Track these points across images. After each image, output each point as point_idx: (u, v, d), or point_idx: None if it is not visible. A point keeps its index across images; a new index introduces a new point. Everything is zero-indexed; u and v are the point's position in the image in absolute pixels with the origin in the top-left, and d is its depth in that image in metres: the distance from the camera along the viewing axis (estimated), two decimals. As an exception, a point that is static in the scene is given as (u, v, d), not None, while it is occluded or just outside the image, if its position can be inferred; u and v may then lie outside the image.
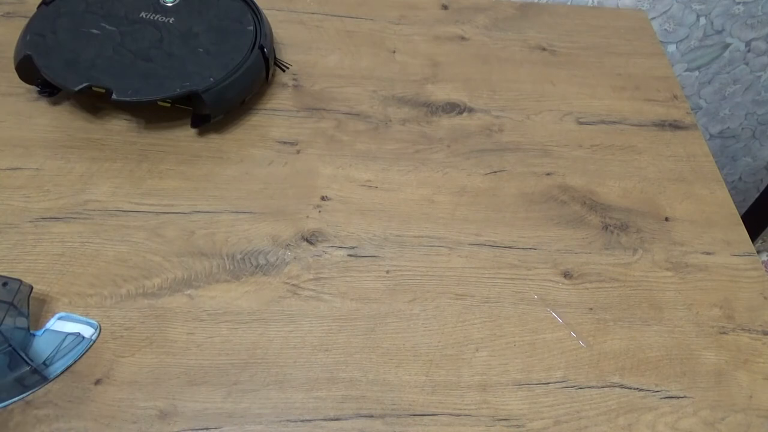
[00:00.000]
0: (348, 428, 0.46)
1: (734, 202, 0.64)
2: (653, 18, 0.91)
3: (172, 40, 0.62)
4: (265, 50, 0.63)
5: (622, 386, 0.50)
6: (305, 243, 0.56)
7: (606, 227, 0.60)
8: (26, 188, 0.56)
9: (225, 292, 0.52)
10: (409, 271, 0.55)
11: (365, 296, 0.53)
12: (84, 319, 0.49)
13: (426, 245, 0.57)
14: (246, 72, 0.61)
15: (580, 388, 0.50)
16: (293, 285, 0.53)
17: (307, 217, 0.57)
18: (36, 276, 0.51)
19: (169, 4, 0.65)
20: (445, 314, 0.53)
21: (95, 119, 0.62)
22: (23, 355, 0.45)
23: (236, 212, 0.57)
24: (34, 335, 0.48)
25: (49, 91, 0.62)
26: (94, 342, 0.48)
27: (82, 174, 0.58)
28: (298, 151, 0.62)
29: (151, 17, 0.64)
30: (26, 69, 0.59)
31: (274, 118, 0.65)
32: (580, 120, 0.69)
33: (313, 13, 0.76)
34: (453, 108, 0.68)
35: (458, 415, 0.47)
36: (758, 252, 1.03)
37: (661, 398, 0.50)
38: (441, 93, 0.69)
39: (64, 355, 0.47)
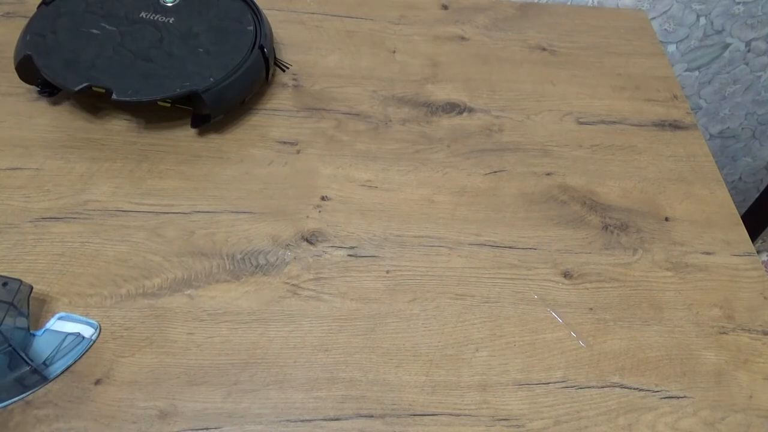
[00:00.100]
0: (348, 428, 0.46)
1: (734, 202, 0.64)
2: (653, 18, 0.91)
3: (172, 40, 0.62)
4: (265, 50, 0.63)
5: (622, 386, 0.50)
6: (305, 243, 0.56)
7: (606, 227, 0.60)
8: (26, 188, 0.56)
9: (225, 292, 0.52)
10: (409, 271, 0.55)
11: (365, 296, 0.53)
12: (84, 319, 0.49)
13: (426, 245, 0.57)
14: (246, 72, 0.61)
15: (580, 388, 0.50)
16: (293, 285, 0.53)
17: (307, 217, 0.57)
18: (36, 276, 0.51)
19: (169, 4, 0.65)
20: (445, 314, 0.53)
21: (95, 119, 0.62)
22: (23, 355, 0.45)
23: (236, 212, 0.57)
24: (34, 335, 0.48)
25: (49, 91, 0.62)
26: (94, 342, 0.48)
27: (82, 174, 0.58)
28: (298, 151, 0.62)
29: (151, 17, 0.64)
30: (26, 69, 0.59)
31: (274, 118, 0.65)
32: (580, 120, 0.69)
33: (313, 13, 0.76)
34: (453, 108, 0.68)
35: (458, 415, 0.47)
36: (758, 252, 1.03)
37: (661, 398, 0.50)
38: (441, 93, 0.69)
39: (64, 355, 0.47)
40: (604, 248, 0.58)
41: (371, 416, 0.47)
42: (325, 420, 0.46)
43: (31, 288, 0.47)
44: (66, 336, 0.48)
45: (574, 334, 0.53)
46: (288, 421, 0.46)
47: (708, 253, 0.59)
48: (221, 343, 0.49)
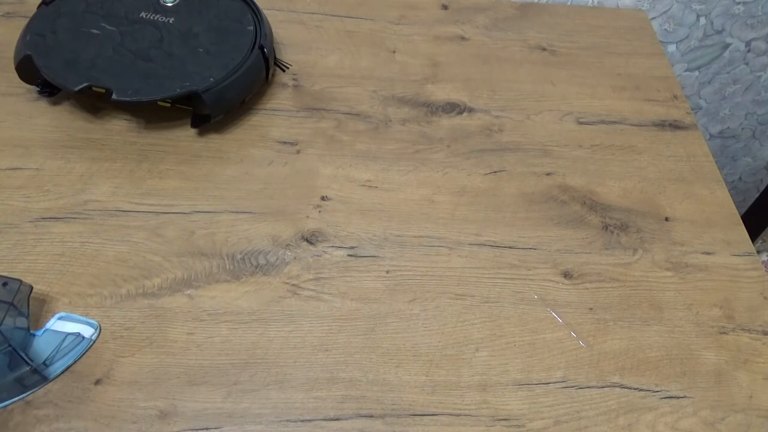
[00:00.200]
0: (348, 428, 0.46)
1: (734, 202, 0.64)
2: (653, 18, 0.91)
3: (172, 40, 0.62)
4: (265, 50, 0.63)
5: (622, 386, 0.50)
6: (305, 243, 0.56)
7: (606, 227, 0.60)
8: (26, 188, 0.56)
9: (225, 292, 0.52)
10: (409, 271, 0.55)
11: (365, 296, 0.53)
12: (84, 319, 0.49)
13: (426, 245, 0.57)
14: (246, 72, 0.61)
15: (580, 388, 0.50)
16: (293, 285, 0.53)
17: (307, 217, 0.57)
18: (36, 276, 0.51)
19: (169, 4, 0.65)
20: (445, 314, 0.53)
21: (95, 119, 0.62)
22: (23, 355, 0.45)
23: (236, 212, 0.57)
24: (34, 335, 0.48)
25: (49, 91, 0.62)
26: (94, 342, 0.48)
27: (82, 174, 0.58)
28: (298, 151, 0.62)
29: (151, 17, 0.64)
30: (26, 69, 0.59)
31: (274, 118, 0.65)
32: (580, 120, 0.69)
33: (313, 13, 0.76)
34: (453, 108, 0.68)
35: (458, 415, 0.47)
36: (758, 252, 1.03)
37: (661, 398, 0.50)
38: (441, 93, 0.69)
39: (64, 355, 0.47)
40: (604, 248, 0.58)
41: (371, 416, 0.47)
42: (325, 420, 0.46)
43: (31, 288, 0.47)
44: (66, 336, 0.48)
45: (574, 334, 0.53)
46: (288, 421, 0.46)
47: (708, 253, 0.59)
48: (221, 343, 0.49)
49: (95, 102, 0.63)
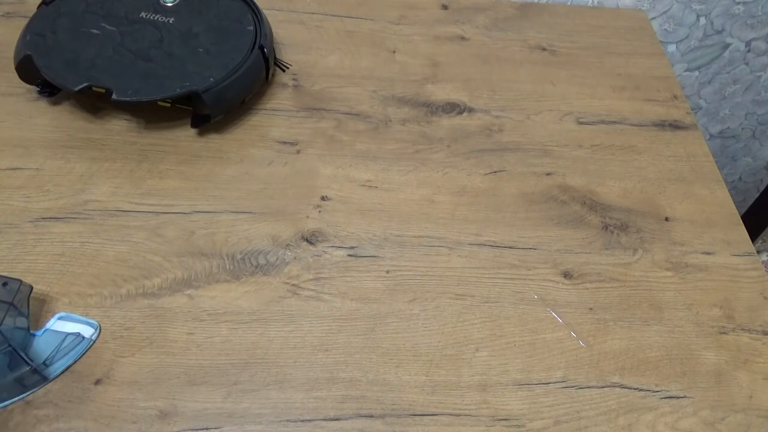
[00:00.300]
0: (348, 428, 0.46)
1: (734, 202, 0.64)
2: (653, 18, 0.91)
3: (172, 40, 0.62)
4: (265, 50, 0.63)
5: (622, 386, 0.50)
6: (305, 243, 0.56)
7: (606, 227, 0.60)
8: (26, 188, 0.56)
9: (225, 292, 0.52)
10: (409, 271, 0.55)
11: (365, 296, 0.53)
12: (84, 319, 0.49)
13: (426, 245, 0.57)
14: (246, 72, 0.61)
15: (580, 388, 0.50)
16: (293, 285, 0.53)
17: (307, 217, 0.57)
18: (36, 276, 0.51)
19: (169, 4, 0.65)
20: (445, 314, 0.53)
21: (95, 119, 0.62)
22: (23, 355, 0.45)
23: (236, 212, 0.57)
24: (34, 335, 0.48)
25: (49, 91, 0.62)
26: (94, 342, 0.48)
27: (82, 174, 0.58)
28: (298, 151, 0.62)
29: (151, 17, 0.64)
30: (26, 69, 0.59)
31: (274, 118, 0.65)
32: (580, 120, 0.69)
33: (313, 13, 0.76)
34: (453, 108, 0.68)
35: (458, 415, 0.47)
36: (758, 252, 1.03)
37: (661, 398, 0.50)
38: (441, 93, 0.69)
39: (64, 355, 0.47)
40: (604, 248, 0.58)
41: (371, 416, 0.47)
42: (325, 420, 0.46)
43: (31, 288, 0.47)
44: (66, 336, 0.48)
45: (574, 334, 0.53)
46: (288, 421, 0.46)
47: (708, 253, 0.59)
48: (221, 343, 0.49)
49: (95, 102, 0.63)
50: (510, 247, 0.57)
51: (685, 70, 0.99)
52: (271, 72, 0.66)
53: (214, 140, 0.62)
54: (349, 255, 0.55)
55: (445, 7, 0.79)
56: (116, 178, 0.58)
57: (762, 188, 1.20)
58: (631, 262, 0.58)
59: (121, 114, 0.63)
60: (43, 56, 0.59)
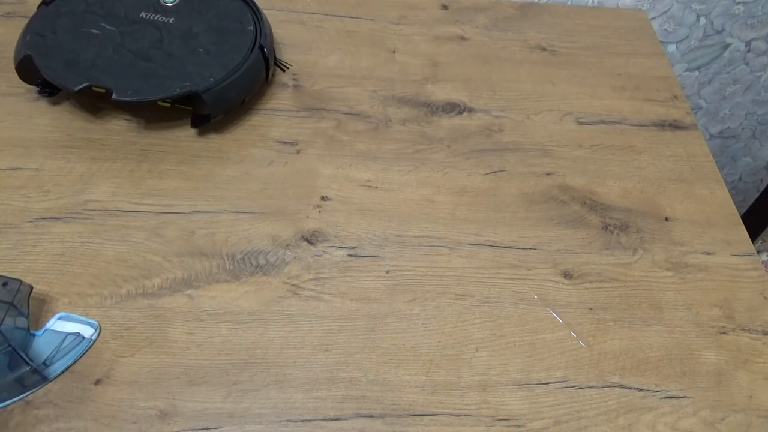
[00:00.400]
0: (348, 428, 0.46)
1: (734, 202, 0.64)
2: (653, 18, 0.91)
3: (172, 40, 0.62)
4: (265, 50, 0.63)
5: (622, 386, 0.50)
6: (305, 243, 0.56)
7: (606, 227, 0.60)
8: (26, 188, 0.56)
9: (225, 292, 0.52)
10: (409, 271, 0.55)
11: (365, 296, 0.53)
12: (84, 319, 0.49)
13: (426, 245, 0.57)
14: (246, 72, 0.61)
15: (580, 388, 0.50)
16: (293, 285, 0.53)
17: (307, 217, 0.57)
18: (36, 276, 0.51)
19: (169, 4, 0.65)
20: (445, 314, 0.53)
21: (95, 119, 0.62)
22: (23, 355, 0.45)
23: (236, 212, 0.57)
24: (34, 335, 0.48)
25: (49, 91, 0.62)
26: (94, 342, 0.48)
27: (82, 174, 0.58)
28: (298, 151, 0.62)
29: (151, 17, 0.64)
30: (26, 69, 0.59)
31: (274, 118, 0.65)
32: (580, 120, 0.69)
33: (313, 13, 0.76)
34: (453, 108, 0.68)
35: (458, 415, 0.47)
36: (758, 252, 1.03)
37: (661, 398, 0.50)
38: (441, 93, 0.69)
39: (64, 355, 0.47)
40: (604, 248, 0.58)
41: (371, 416, 0.47)
42: (325, 420, 0.46)
43: (31, 288, 0.47)
44: (66, 336, 0.48)
45: (574, 334, 0.53)
46: (288, 421, 0.46)
47: (708, 253, 0.59)
48: (221, 343, 0.49)
49: (95, 102, 0.63)
50: (510, 247, 0.57)
51: (685, 70, 0.99)
52: (271, 72, 0.66)
53: (214, 140, 0.62)
54: (349, 255, 0.55)
55: (445, 7, 0.79)
56: (116, 178, 0.58)
57: (762, 188, 1.20)
58: (631, 262, 0.58)
59: (121, 114, 0.63)
60: (43, 56, 0.59)
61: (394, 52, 0.73)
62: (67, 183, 0.57)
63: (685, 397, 0.50)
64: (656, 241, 0.60)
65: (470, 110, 0.68)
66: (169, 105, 0.61)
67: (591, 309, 0.54)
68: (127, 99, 0.57)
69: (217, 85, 0.59)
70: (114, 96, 0.57)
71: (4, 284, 0.46)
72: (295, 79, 0.69)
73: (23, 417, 0.44)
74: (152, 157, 0.60)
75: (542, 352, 0.51)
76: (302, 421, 0.46)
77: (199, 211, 0.57)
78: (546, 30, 0.79)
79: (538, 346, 0.52)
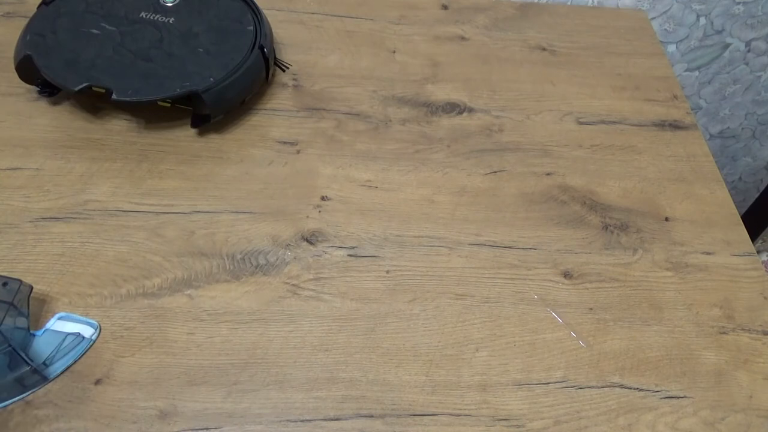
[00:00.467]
0: (348, 428, 0.46)
1: (734, 202, 0.64)
2: (653, 18, 0.91)
3: (172, 40, 0.62)
4: (265, 50, 0.63)
5: (622, 386, 0.50)
6: (305, 243, 0.56)
7: (606, 227, 0.60)
8: (26, 188, 0.56)
9: (225, 292, 0.52)
10: (409, 271, 0.55)
11: (365, 296, 0.53)
12: (84, 319, 0.49)
13: (426, 245, 0.57)
14: (246, 72, 0.61)
15: (580, 388, 0.50)
16: (293, 285, 0.53)
17: (307, 217, 0.57)
18: (36, 276, 0.51)
19: (169, 4, 0.65)
20: (445, 314, 0.53)
21: (95, 119, 0.62)
22: (23, 355, 0.45)
23: (236, 212, 0.57)
24: (34, 335, 0.48)
25: (49, 91, 0.62)
26: (94, 342, 0.48)
27: (82, 174, 0.58)
28: (298, 151, 0.62)
29: (151, 17, 0.64)
30: (26, 69, 0.59)
31: (274, 118, 0.65)
32: (580, 120, 0.69)
33: (313, 13, 0.76)
34: (453, 108, 0.68)
35: (458, 415, 0.47)
36: (758, 252, 1.03)
37: (661, 398, 0.50)
38: (441, 93, 0.69)
39: (64, 355, 0.47)
40: (604, 248, 0.58)
41: (371, 416, 0.47)
42: (325, 420, 0.46)
43: (31, 288, 0.47)
44: (66, 336, 0.48)
45: (574, 334, 0.53)
46: (288, 421, 0.46)
47: (708, 253, 0.59)
48: (221, 343, 0.49)
49: (95, 102, 0.63)
50: (510, 247, 0.57)
51: (685, 70, 0.99)
52: (271, 72, 0.66)
53: (214, 140, 0.62)
54: (349, 255, 0.55)
55: (445, 7, 0.79)
56: (116, 178, 0.58)
57: (762, 188, 1.20)
58: (631, 262, 0.58)
59: (121, 114, 0.63)
60: (43, 56, 0.59)
61: (394, 52, 0.73)
62: (67, 183, 0.57)
63: (685, 397, 0.50)
64: (656, 241, 0.60)
65: (470, 110, 0.68)
66: (169, 105, 0.61)
67: (591, 309, 0.54)
68: (127, 99, 0.57)
69: (217, 85, 0.59)
70: (114, 96, 0.57)
71: (4, 284, 0.46)
72: (295, 79, 0.69)
73: (23, 417, 0.44)
74: (152, 157, 0.60)
75: (542, 352, 0.51)
76: (302, 421, 0.46)
77: (199, 211, 0.57)
78: (546, 30, 0.79)
79: (538, 346, 0.52)
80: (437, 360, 0.50)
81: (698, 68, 0.99)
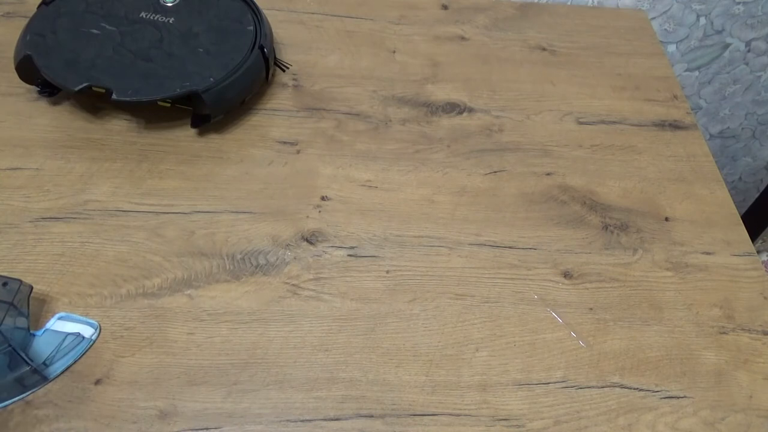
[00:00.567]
0: (348, 428, 0.46)
1: (734, 202, 0.64)
2: (653, 18, 0.91)
3: (172, 40, 0.62)
4: (265, 50, 0.63)
5: (622, 386, 0.50)
6: (305, 243, 0.56)
7: (606, 227, 0.60)
8: (26, 188, 0.56)
9: (225, 292, 0.52)
10: (409, 271, 0.55)
11: (365, 296, 0.53)
12: (84, 319, 0.49)
13: (426, 245, 0.57)
14: (246, 72, 0.61)
15: (580, 388, 0.50)
16: (293, 285, 0.53)
17: (307, 217, 0.57)
18: (36, 276, 0.51)
19: (169, 4, 0.65)
20: (445, 314, 0.53)
21: (95, 119, 0.62)
22: (23, 355, 0.45)
23: (236, 212, 0.57)
24: (34, 335, 0.48)
25: (49, 91, 0.62)
26: (94, 342, 0.48)
27: (82, 174, 0.58)
28: (298, 151, 0.62)
29: (151, 17, 0.64)
30: (26, 69, 0.59)
31: (274, 118, 0.65)
32: (580, 120, 0.69)
33: (313, 13, 0.76)
34: (453, 108, 0.68)
35: (458, 415, 0.47)
36: (758, 252, 1.03)
37: (661, 398, 0.50)
38: (441, 93, 0.69)
39: (64, 355, 0.47)
40: (604, 248, 0.58)
41: (371, 416, 0.47)
42: (325, 420, 0.46)
43: (31, 288, 0.47)
44: (66, 336, 0.48)
45: (574, 334, 0.53)
46: (288, 421, 0.46)
47: (708, 253, 0.59)
48: (221, 343, 0.49)
49: (95, 102, 0.63)
50: (510, 247, 0.58)
51: (685, 70, 0.99)
52: (271, 72, 0.66)
53: (214, 140, 0.62)
54: (349, 255, 0.55)
55: (445, 7, 0.79)
56: (116, 178, 0.58)
57: (762, 188, 1.20)
58: (631, 262, 0.58)
59: (121, 114, 0.63)
60: (43, 56, 0.59)
61: (394, 52, 0.73)
62: (67, 183, 0.57)
63: (685, 397, 0.50)
64: (656, 241, 0.60)
65: (470, 110, 0.68)
66: (169, 105, 0.61)
67: (591, 309, 0.54)
68: (127, 99, 0.57)
69: (217, 85, 0.59)
70: (114, 96, 0.57)
71: (4, 284, 0.46)
72: (295, 79, 0.69)
73: (23, 417, 0.44)
74: (152, 157, 0.60)
75: (542, 352, 0.51)
76: (302, 421, 0.46)
77: (199, 211, 0.57)
78: (546, 30, 0.79)
79: (538, 346, 0.52)
80: (437, 360, 0.50)
81: (698, 68, 0.99)
